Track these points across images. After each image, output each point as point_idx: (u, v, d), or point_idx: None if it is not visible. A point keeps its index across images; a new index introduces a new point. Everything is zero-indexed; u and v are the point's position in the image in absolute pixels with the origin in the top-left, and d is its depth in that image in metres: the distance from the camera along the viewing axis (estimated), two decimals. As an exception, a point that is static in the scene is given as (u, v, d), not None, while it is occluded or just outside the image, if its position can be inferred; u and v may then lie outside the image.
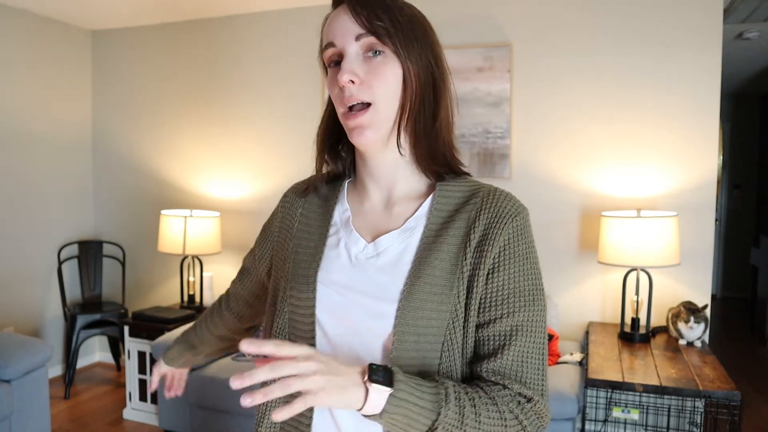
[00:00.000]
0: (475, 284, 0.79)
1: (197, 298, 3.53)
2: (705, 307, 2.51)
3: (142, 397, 3.16)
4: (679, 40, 2.73)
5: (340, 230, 0.88)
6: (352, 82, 0.78)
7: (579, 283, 2.94)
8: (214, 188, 3.72)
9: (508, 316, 0.78)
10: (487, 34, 3.03)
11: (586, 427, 2.27)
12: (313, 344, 0.83)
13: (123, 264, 3.90)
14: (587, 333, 2.74)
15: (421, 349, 0.77)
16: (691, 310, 2.48)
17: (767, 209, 5.45)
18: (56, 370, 3.80)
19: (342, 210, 0.90)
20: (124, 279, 3.88)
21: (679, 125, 2.75)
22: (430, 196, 0.86)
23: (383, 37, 0.78)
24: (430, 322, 0.78)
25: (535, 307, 0.80)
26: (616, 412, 2.28)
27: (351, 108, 0.80)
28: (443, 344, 0.78)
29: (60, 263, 3.75)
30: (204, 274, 3.53)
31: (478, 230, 0.81)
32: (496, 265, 0.80)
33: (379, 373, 0.69)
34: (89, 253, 3.89)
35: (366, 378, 0.68)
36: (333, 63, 0.82)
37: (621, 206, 2.84)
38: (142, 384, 3.16)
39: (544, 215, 2.97)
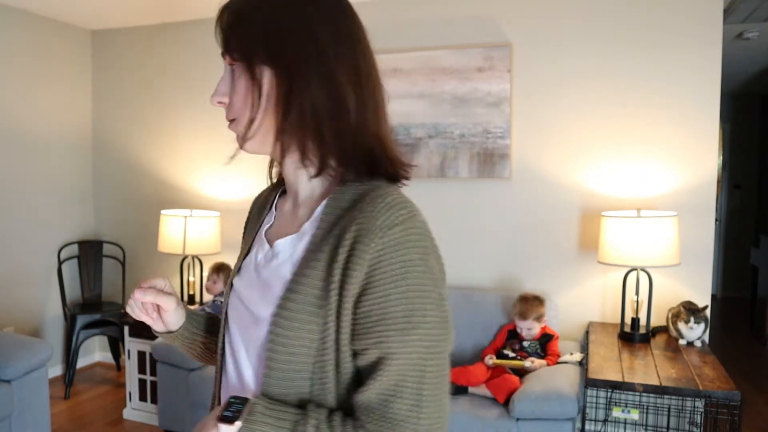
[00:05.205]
0: (343, 309, 0.71)
1: (197, 298, 3.53)
2: (705, 307, 2.50)
3: (142, 397, 3.16)
4: (679, 40, 2.73)
5: (261, 238, 0.88)
6: (221, 103, 0.80)
7: (579, 283, 2.94)
8: (214, 188, 3.71)
9: (375, 345, 0.69)
10: (487, 34, 3.03)
11: (586, 427, 2.27)
12: (223, 359, 0.86)
13: (123, 264, 3.90)
14: (587, 333, 2.74)
15: (292, 369, 0.73)
16: (691, 310, 2.47)
17: (767, 209, 5.45)
18: (56, 370, 3.80)
19: (270, 218, 0.90)
20: (124, 279, 3.88)
21: (679, 125, 2.75)
22: (326, 199, 0.79)
23: (233, 53, 0.77)
24: (300, 333, 0.72)
25: (411, 334, 0.68)
26: (616, 412, 2.28)
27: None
28: (314, 364, 0.73)
29: (60, 263, 3.75)
30: (204, 274, 3.53)
31: (346, 245, 0.71)
32: (364, 288, 0.70)
33: (231, 408, 0.70)
34: (89, 253, 3.89)
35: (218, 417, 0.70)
36: None
37: (621, 206, 2.84)
38: (142, 384, 3.16)
39: (544, 215, 2.97)
